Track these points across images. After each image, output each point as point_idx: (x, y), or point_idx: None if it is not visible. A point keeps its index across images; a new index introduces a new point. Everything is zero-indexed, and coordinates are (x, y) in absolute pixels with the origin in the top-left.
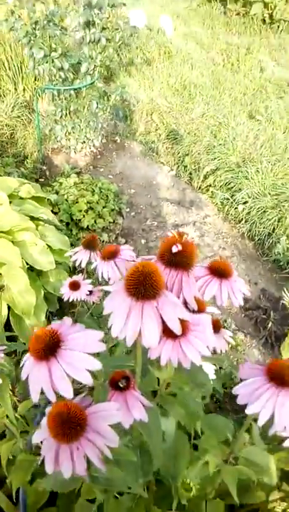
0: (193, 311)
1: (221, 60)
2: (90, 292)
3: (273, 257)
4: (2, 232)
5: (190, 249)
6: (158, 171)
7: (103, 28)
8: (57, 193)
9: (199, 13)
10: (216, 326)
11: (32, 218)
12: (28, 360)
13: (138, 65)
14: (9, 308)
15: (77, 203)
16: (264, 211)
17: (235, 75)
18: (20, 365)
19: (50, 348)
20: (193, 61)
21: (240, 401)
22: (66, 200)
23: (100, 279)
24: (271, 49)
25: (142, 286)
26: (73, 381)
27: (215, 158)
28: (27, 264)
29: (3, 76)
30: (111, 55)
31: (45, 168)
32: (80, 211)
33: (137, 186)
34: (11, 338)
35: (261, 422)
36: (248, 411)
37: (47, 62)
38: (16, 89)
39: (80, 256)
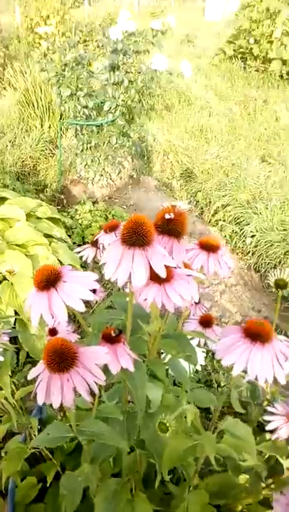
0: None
1: (239, 109)
2: (94, 291)
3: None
4: (17, 245)
5: (181, 219)
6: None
7: (127, 72)
8: (72, 218)
9: (220, 68)
10: (209, 321)
11: (46, 236)
12: (31, 293)
13: (158, 111)
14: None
15: (90, 227)
16: (271, 245)
17: (251, 123)
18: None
19: (51, 281)
20: (211, 109)
21: (218, 355)
22: (80, 224)
23: (106, 277)
24: (287, 102)
25: (134, 235)
26: None
27: (226, 195)
28: None
29: (31, 113)
30: (132, 95)
31: (63, 197)
32: (93, 234)
33: (149, 217)
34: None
35: (236, 371)
36: (225, 362)
37: (73, 100)
38: (42, 125)
39: (87, 252)
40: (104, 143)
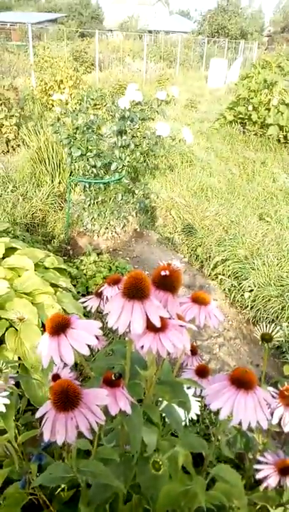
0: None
1: (238, 170)
2: (97, 338)
3: (276, 343)
4: (24, 293)
5: (176, 275)
6: (172, 257)
7: (133, 136)
8: (77, 268)
9: (221, 132)
10: (205, 372)
11: (52, 285)
12: (43, 338)
13: (162, 170)
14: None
15: (94, 277)
16: (269, 299)
17: (249, 183)
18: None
19: (61, 327)
20: (212, 170)
21: (207, 401)
22: (85, 274)
23: (107, 325)
24: (284, 164)
25: (134, 289)
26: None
27: (225, 250)
28: (42, 324)
29: (43, 170)
30: (138, 157)
31: (69, 248)
32: (96, 285)
33: (151, 269)
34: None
35: (222, 415)
36: (212, 407)
37: (82, 160)
38: (52, 181)
39: (91, 302)
40: (110, 199)
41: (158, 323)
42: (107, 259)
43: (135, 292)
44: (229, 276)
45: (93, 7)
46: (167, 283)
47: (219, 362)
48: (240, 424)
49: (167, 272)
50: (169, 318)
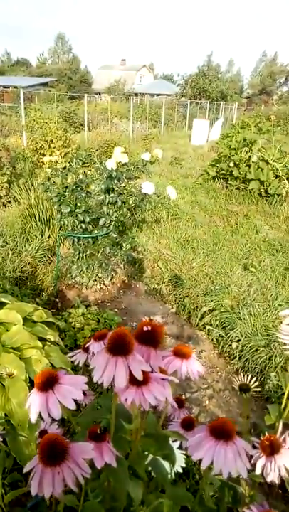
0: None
1: (222, 223)
2: (84, 393)
3: (265, 393)
4: (12, 348)
5: (157, 330)
6: (160, 308)
7: (120, 193)
8: (66, 321)
9: (205, 187)
10: (191, 424)
11: (40, 339)
12: (32, 393)
13: (149, 223)
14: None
15: (82, 330)
16: (256, 349)
17: (233, 235)
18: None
19: (49, 383)
20: (197, 222)
21: (190, 452)
22: (73, 327)
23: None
24: (266, 216)
25: (117, 345)
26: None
27: (212, 301)
28: (30, 379)
29: (33, 225)
30: (125, 213)
31: (58, 300)
32: (85, 337)
33: (138, 320)
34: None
35: (203, 466)
36: (194, 458)
37: (71, 216)
38: (42, 235)
39: (79, 357)
40: (98, 252)
41: (140, 378)
42: (96, 312)
43: (119, 348)
44: (216, 326)
45: (82, 72)
46: (149, 338)
47: (209, 414)
48: (221, 474)
49: (149, 328)
50: (152, 372)
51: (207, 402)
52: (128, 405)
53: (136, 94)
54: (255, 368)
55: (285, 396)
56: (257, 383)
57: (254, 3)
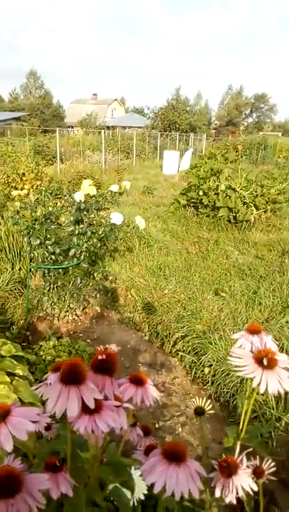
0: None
1: (193, 249)
2: (49, 427)
3: (238, 418)
4: None
5: (112, 359)
6: (133, 336)
7: (90, 224)
8: (36, 354)
9: (176, 215)
10: (147, 431)
11: (9, 374)
12: None
13: (121, 252)
14: None
15: (53, 362)
16: (228, 373)
17: (204, 261)
18: None
19: (1, 416)
20: (169, 250)
21: (144, 476)
22: (44, 360)
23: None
24: (236, 241)
25: (70, 376)
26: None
27: (184, 327)
28: None
29: (3, 257)
30: (95, 243)
31: (28, 333)
32: None
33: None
34: None
35: (156, 489)
36: (147, 481)
37: (41, 248)
38: (13, 268)
39: (42, 390)
40: (69, 283)
41: (92, 406)
42: (67, 343)
43: (71, 378)
44: (189, 352)
45: (54, 106)
46: (104, 367)
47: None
48: (174, 495)
49: (104, 356)
50: (106, 400)
51: (180, 429)
52: (83, 434)
53: (108, 127)
54: (227, 392)
55: (242, 418)
56: (212, 407)
57: (220, 39)
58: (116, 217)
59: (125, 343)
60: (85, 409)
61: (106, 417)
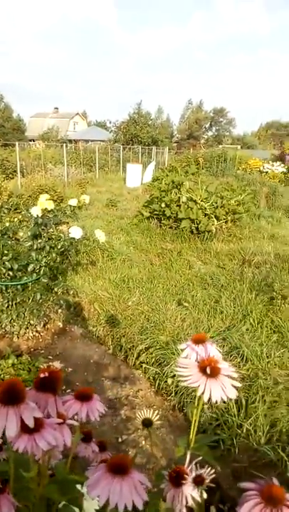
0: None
1: (157, 261)
2: (0, 447)
3: (200, 427)
4: None
5: (55, 377)
6: (96, 350)
7: (48, 239)
8: None
9: (139, 227)
10: (88, 437)
11: None
12: None
13: (84, 265)
14: None
15: None
16: None
17: (168, 272)
18: None
19: None
20: (132, 262)
21: (88, 491)
22: (2, 379)
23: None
24: (198, 252)
25: (7, 396)
26: None
27: (147, 338)
28: None
29: None
30: (54, 258)
31: None
32: None
33: (74, 365)
34: None
35: (101, 502)
36: (92, 495)
37: None
38: None
39: None
40: (29, 299)
41: (31, 425)
42: (27, 361)
43: (9, 398)
44: (153, 363)
45: (14, 120)
46: (47, 384)
47: (145, 455)
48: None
49: (46, 374)
50: (48, 417)
51: (144, 442)
52: (20, 451)
53: (70, 141)
54: (190, 401)
55: (192, 427)
56: (176, 418)
57: (178, 55)
58: (75, 231)
59: (88, 358)
60: (24, 428)
61: (47, 435)
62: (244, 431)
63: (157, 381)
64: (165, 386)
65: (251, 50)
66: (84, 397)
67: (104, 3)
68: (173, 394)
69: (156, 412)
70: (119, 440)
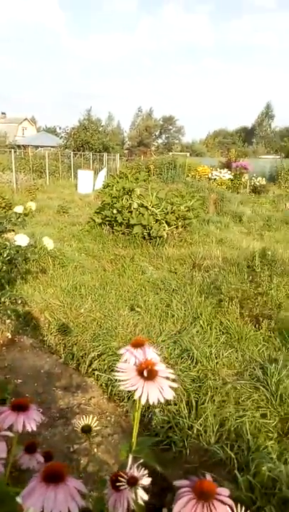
0: None
1: (110, 267)
2: None
3: (153, 430)
4: None
5: None
6: (47, 360)
7: None
8: None
9: (92, 233)
10: (32, 447)
11: None
12: None
13: (34, 274)
14: None
15: None
16: None
17: (120, 278)
18: None
19: None
20: (84, 268)
21: (23, 501)
22: None
23: None
24: (150, 257)
25: None
26: None
27: (100, 345)
28: None
29: None
30: (0, 266)
31: None
32: None
33: (24, 376)
34: None
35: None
36: (26, 505)
37: None
38: None
39: None
40: None
41: None
42: None
43: None
44: (105, 370)
45: None
46: None
47: (97, 462)
48: None
49: None
50: None
51: (96, 449)
52: None
53: (19, 146)
54: (142, 406)
55: (134, 430)
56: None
57: (127, 62)
58: (21, 239)
59: (39, 368)
60: None
61: None
62: (194, 432)
63: (110, 388)
64: (118, 392)
65: (197, 59)
66: (20, 408)
67: (51, 6)
68: (126, 399)
69: (109, 419)
70: (71, 450)
